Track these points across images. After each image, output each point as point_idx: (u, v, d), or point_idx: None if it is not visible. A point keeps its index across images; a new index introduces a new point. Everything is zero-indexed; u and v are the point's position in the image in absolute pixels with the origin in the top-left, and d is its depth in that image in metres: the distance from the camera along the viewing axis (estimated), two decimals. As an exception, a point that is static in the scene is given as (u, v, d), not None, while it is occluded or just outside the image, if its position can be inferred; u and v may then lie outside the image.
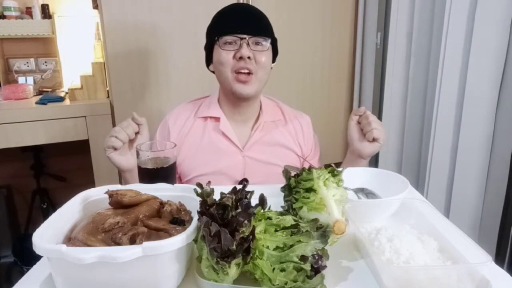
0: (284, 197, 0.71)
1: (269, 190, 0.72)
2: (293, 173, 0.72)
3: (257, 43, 1.03)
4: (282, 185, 0.73)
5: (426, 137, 1.61)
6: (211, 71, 1.12)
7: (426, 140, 1.60)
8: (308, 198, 0.65)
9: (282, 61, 1.97)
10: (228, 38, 1.01)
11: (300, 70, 2.04)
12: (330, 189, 0.65)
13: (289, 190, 0.70)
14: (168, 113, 1.17)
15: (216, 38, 1.03)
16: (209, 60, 1.10)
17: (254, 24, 1.04)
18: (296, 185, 0.69)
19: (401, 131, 1.77)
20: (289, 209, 0.69)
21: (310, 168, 0.69)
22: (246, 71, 1.02)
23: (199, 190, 0.61)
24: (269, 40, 1.05)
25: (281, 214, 0.61)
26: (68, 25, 2.12)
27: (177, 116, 1.14)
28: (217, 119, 1.12)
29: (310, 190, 0.66)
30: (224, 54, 1.02)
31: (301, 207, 0.65)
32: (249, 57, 1.01)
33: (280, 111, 1.20)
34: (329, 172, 0.68)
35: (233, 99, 1.08)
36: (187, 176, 1.11)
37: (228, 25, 1.02)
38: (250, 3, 1.79)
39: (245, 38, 1.01)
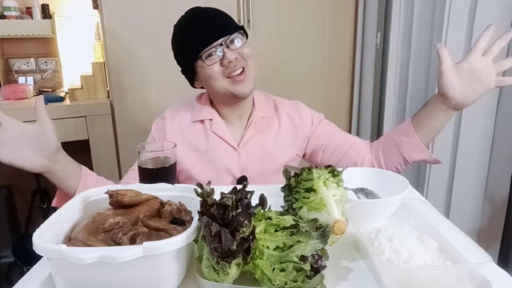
0: (284, 197, 0.71)
1: (269, 190, 0.72)
2: (293, 173, 0.72)
3: (233, 41, 1.00)
4: (282, 185, 0.73)
5: (426, 137, 1.61)
6: (199, 88, 1.11)
7: (426, 140, 1.60)
8: (308, 198, 0.65)
9: (282, 61, 1.98)
10: (207, 52, 0.98)
11: (300, 71, 2.04)
12: (330, 189, 0.65)
13: (289, 190, 0.70)
14: (165, 112, 1.14)
15: (194, 58, 1.00)
16: (193, 80, 1.09)
17: (222, 26, 1.01)
18: (296, 185, 0.69)
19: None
20: (289, 209, 0.69)
21: (310, 168, 0.69)
22: (239, 71, 1.00)
23: (199, 190, 0.61)
24: (241, 32, 1.03)
25: (281, 214, 0.62)
26: (68, 25, 2.12)
27: (174, 118, 1.12)
28: (210, 120, 1.11)
29: (310, 190, 0.66)
30: (212, 68, 0.99)
31: (301, 207, 0.65)
32: (236, 58, 0.99)
33: (273, 103, 1.18)
34: (329, 172, 0.69)
35: (230, 100, 1.07)
36: (185, 174, 1.11)
37: (200, 40, 0.99)
38: (251, 5, 1.79)
39: (222, 44, 0.98)
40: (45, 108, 0.84)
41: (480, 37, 0.88)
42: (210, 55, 0.99)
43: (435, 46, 0.93)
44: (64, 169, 0.88)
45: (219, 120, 1.11)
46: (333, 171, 0.69)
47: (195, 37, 1.00)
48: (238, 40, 1.01)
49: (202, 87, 1.11)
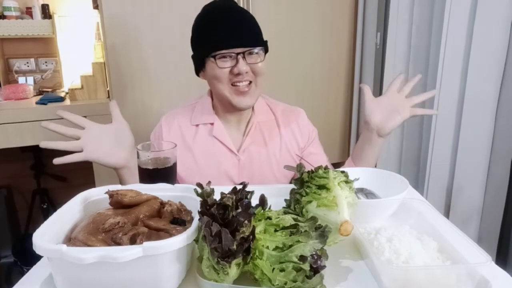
0: (292, 190, 0.72)
1: (269, 190, 0.72)
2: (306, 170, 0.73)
3: (251, 53, 0.99)
4: (283, 185, 0.73)
5: (426, 137, 1.61)
6: (202, 78, 1.09)
7: (426, 140, 1.60)
8: (320, 194, 0.65)
9: (282, 61, 1.98)
10: (223, 53, 0.96)
11: (300, 70, 2.04)
12: (344, 191, 0.66)
13: (301, 183, 0.71)
14: (161, 119, 1.14)
15: (209, 54, 0.98)
16: (199, 70, 1.07)
17: (248, 36, 0.99)
18: (309, 180, 0.69)
19: (401, 131, 1.77)
20: (292, 203, 0.69)
21: (326, 168, 0.71)
22: (245, 83, 1.00)
23: (199, 190, 0.61)
24: (263, 48, 1.02)
25: (283, 213, 0.62)
26: (68, 25, 2.12)
27: (171, 124, 1.11)
28: (211, 124, 1.10)
29: (322, 187, 0.67)
30: (220, 70, 0.98)
31: (309, 201, 0.66)
32: (247, 72, 0.98)
33: (271, 108, 1.18)
34: (344, 177, 0.70)
35: (230, 108, 1.06)
36: (183, 183, 1.10)
37: (221, 40, 0.97)
38: (251, 4, 1.79)
39: (241, 52, 0.97)
40: (118, 108, 0.98)
41: (394, 80, 1.10)
42: (224, 57, 0.97)
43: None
44: None
45: (220, 125, 1.10)
46: (347, 177, 0.70)
47: (218, 35, 0.98)
48: (256, 55, 1.00)
49: (205, 79, 1.09)
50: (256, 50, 0.99)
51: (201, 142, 1.10)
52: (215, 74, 0.99)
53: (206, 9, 1.04)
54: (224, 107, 1.09)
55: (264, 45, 1.03)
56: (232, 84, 1.00)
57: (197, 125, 1.11)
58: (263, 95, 1.21)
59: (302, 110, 1.22)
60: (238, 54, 0.97)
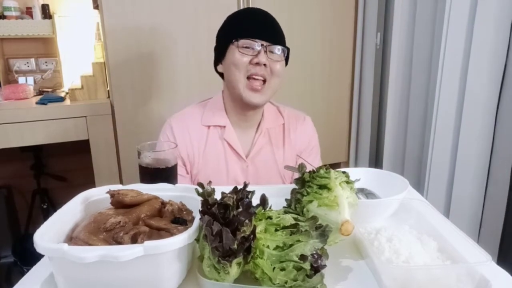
0: (293, 190, 0.72)
1: (270, 190, 0.72)
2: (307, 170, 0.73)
3: (273, 51, 1.02)
4: (284, 185, 0.73)
5: (426, 137, 1.61)
6: (219, 72, 1.11)
7: (426, 140, 1.61)
8: (321, 194, 0.66)
9: (282, 62, 1.98)
10: (247, 42, 1.00)
11: (300, 71, 2.04)
12: (345, 191, 0.66)
13: (302, 183, 0.71)
14: (172, 117, 1.12)
15: (234, 40, 1.01)
16: (218, 61, 1.09)
17: (273, 33, 1.04)
18: (310, 180, 0.69)
19: (401, 131, 1.78)
20: (292, 203, 0.70)
21: (328, 168, 0.71)
22: (260, 78, 1.01)
23: (200, 190, 0.61)
24: (285, 50, 1.05)
25: (284, 212, 0.62)
26: (68, 25, 2.12)
27: (182, 124, 1.10)
28: (222, 127, 1.10)
29: (323, 187, 0.67)
30: (240, 57, 1.00)
31: (311, 201, 0.66)
32: (265, 64, 1.00)
33: (281, 116, 1.18)
34: (345, 177, 0.70)
35: (241, 105, 1.07)
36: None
37: (248, 29, 1.01)
38: (251, 4, 1.80)
39: (264, 45, 1.00)
40: None
41: None
42: (247, 47, 1.01)
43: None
44: None
45: (231, 129, 1.10)
46: (348, 177, 0.71)
47: (247, 24, 1.03)
48: (277, 54, 1.03)
49: (220, 74, 1.10)
50: (278, 48, 1.03)
51: (212, 145, 1.10)
52: (235, 61, 1.01)
53: (243, 8, 1.13)
54: (235, 104, 1.09)
55: (287, 49, 1.06)
56: (248, 78, 1.02)
57: (208, 127, 1.10)
58: (274, 102, 1.21)
59: (309, 117, 1.23)
60: (262, 45, 1.00)
